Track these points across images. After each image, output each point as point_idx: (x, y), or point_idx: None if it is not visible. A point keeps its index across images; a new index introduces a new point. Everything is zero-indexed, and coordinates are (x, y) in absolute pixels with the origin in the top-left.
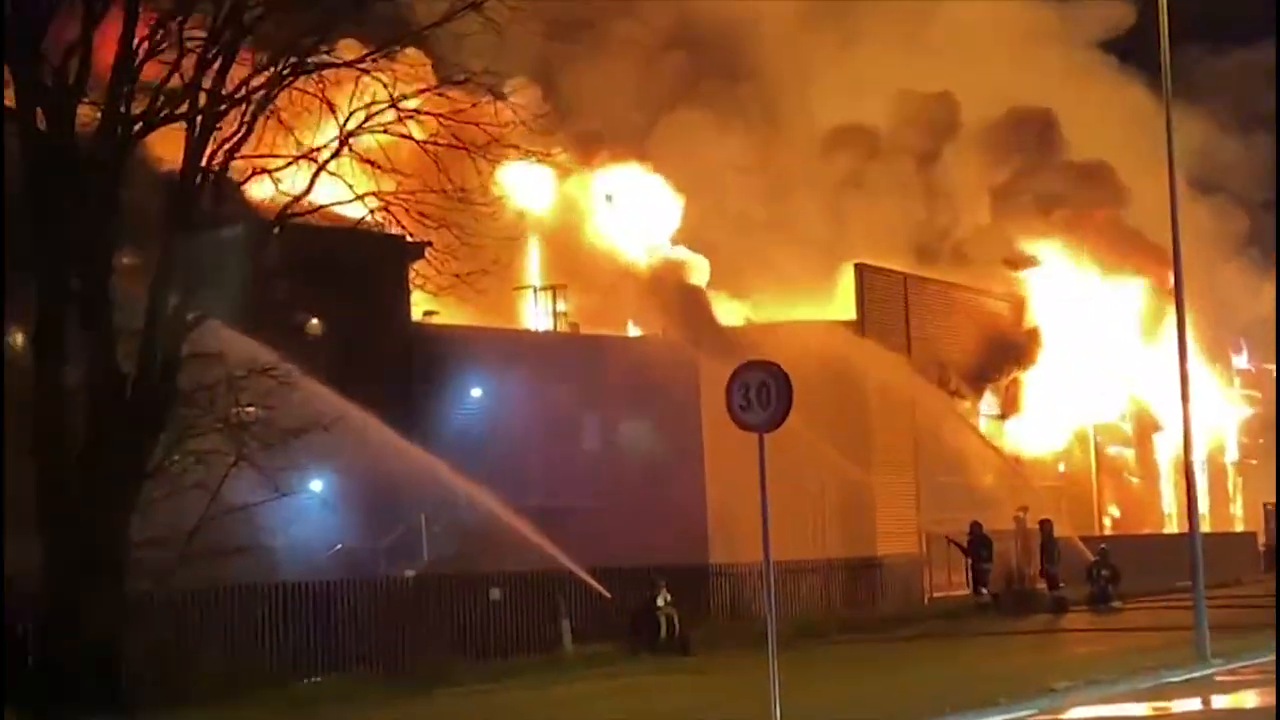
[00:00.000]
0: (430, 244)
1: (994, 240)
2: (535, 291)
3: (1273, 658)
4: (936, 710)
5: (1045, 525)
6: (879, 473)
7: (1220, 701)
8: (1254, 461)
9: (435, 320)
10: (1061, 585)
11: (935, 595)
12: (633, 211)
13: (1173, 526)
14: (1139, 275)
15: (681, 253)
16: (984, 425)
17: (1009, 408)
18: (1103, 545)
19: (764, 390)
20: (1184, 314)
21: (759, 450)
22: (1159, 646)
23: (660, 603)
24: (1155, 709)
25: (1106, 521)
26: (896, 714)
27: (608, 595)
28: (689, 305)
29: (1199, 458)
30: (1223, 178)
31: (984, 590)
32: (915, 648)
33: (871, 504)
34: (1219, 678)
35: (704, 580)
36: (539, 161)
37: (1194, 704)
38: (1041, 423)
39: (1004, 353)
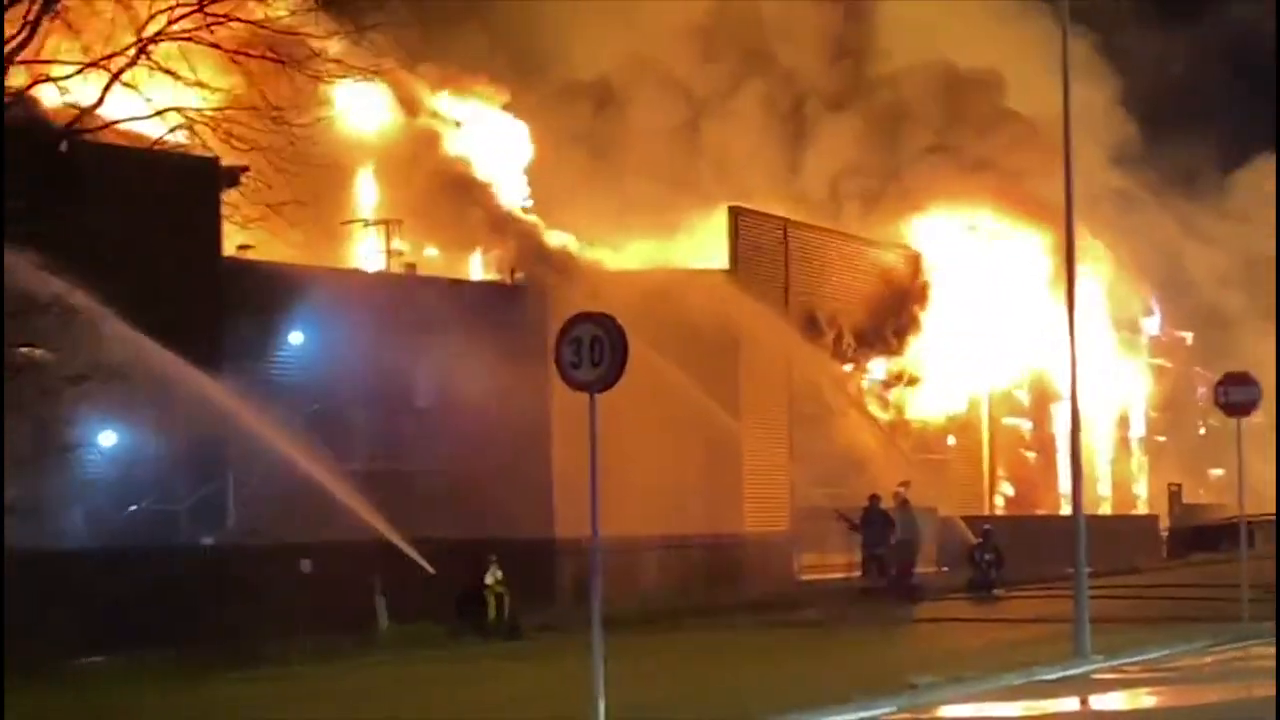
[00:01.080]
0: (247, 169)
1: (892, 192)
2: (366, 226)
3: (1160, 654)
4: (780, 708)
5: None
6: (749, 441)
7: (1096, 702)
8: (1162, 438)
9: (249, 255)
10: (914, 573)
11: (806, 578)
12: (483, 144)
13: (1070, 507)
14: (1043, 233)
15: (535, 190)
16: (871, 392)
17: (896, 373)
18: (987, 526)
19: (597, 345)
20: (1074, 273)
21: (590, 413)
22: (1037, 639)
23: (489, 580)
24: (1022, 709)
25: (999, 500)
26: (735, 712)
27: (431, 570)
28: (540, 247)
29: (1102, 433)
30: (1148, 139)
31: (880, 575)
32: (774, 636)
33: (739, 475)
34: (1097, 676)
35: (550, 556)
36: (364, 79)
37: (1064, 704)
38: (932, 390)
39: (893, 311)
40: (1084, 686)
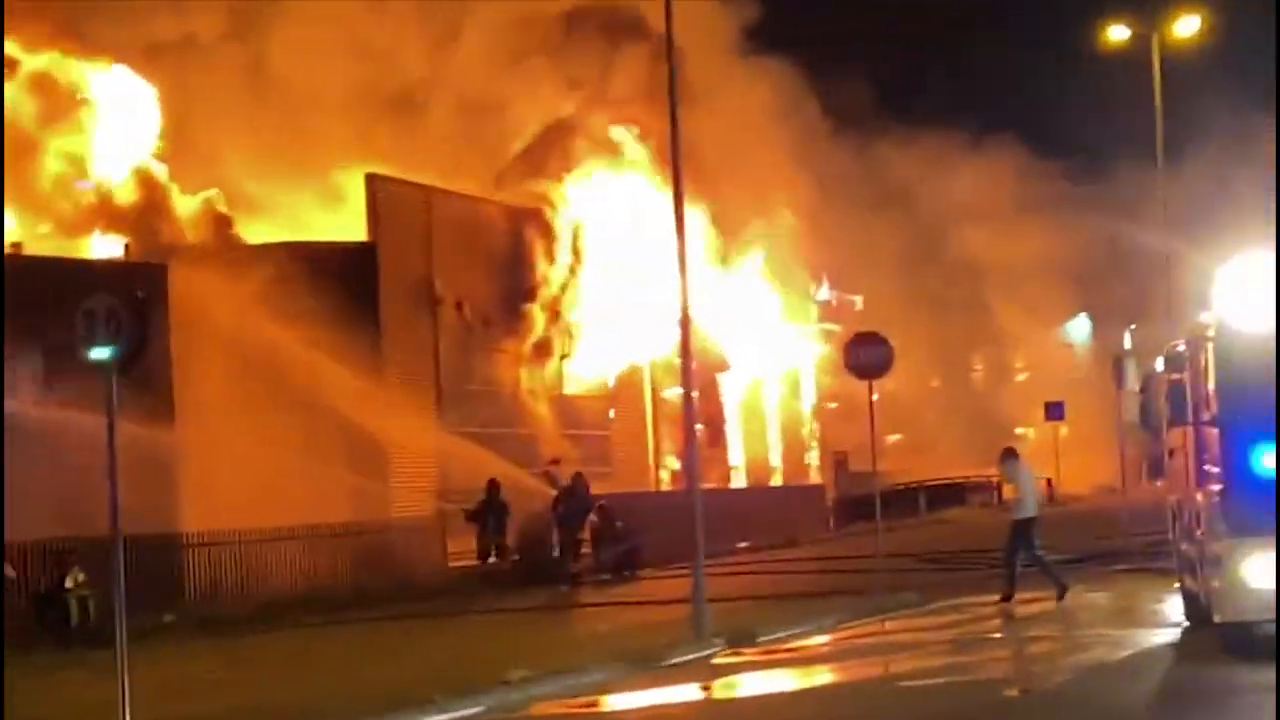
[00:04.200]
0: None
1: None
2: None
3: (787, 633)
4: (349, 716)
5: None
6: (395, 424)
7: (688, 693)
8: (833, 405)
9: None
10: (513, 558)
11: (458, 564)
12: (103, 115)
13: (740, 480)
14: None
15: (166, 156)
16: (523, 366)
17: (546, 343)
18: (601, 502)
19: (113, 321)
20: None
21: (106, 392)
22: (663, 623)
23: (70, 584)
24: (620, 701)
25: (664, 476)
26: None
27: (12, 573)
28: (165, 220)
29: (773, 401)
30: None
31: (497, 559)
32: (392, 630)
33: (385, 460)
34: (716, 660)
35: (175, 552)
36: None
37: (671, 694)
38: (589, 361)
39: (544, 279)
40: (697, 673)
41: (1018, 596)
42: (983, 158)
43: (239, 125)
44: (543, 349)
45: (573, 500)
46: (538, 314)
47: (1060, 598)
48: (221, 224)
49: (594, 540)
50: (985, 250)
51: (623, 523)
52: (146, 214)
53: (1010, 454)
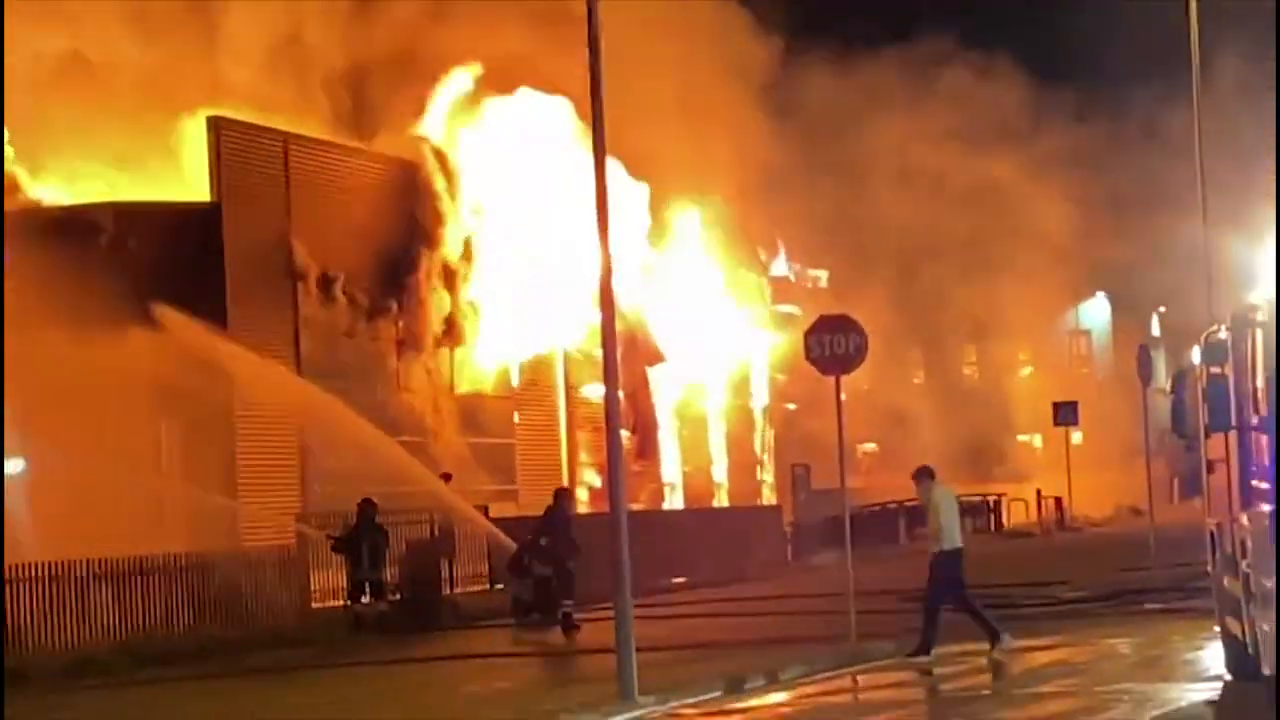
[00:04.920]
0: None
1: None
2: None
3: (716, 694)
4: None
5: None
6: (245, 436)
7: None
8: (792, 406)
9: None
10: (392, 597)
11: (323, 604)
12: None
13: (676, 500)
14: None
15: None
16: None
17: (434, 328)
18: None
19: None
20: (603, 152)
21: None
22: (583, 678)
23: None
24: None
25: (583, 494)
26: None
27: None
28: None
29: (715, 401)
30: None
31: (373, 598)
32: (233, 688)
33: (232, 479)
34: None
35: None
36: None
37: None
38: (488, 349)
39: (432, 246)
40: None
41: (1017, 642)
42: (977, 88)
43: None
44: (429, 335)
45: (558, 526)
46: (424, 291)
47: (993, 646)
48: (12, 183)
49: (513, 570)
50: (979, 212)
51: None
52: None
53: (925, 473)
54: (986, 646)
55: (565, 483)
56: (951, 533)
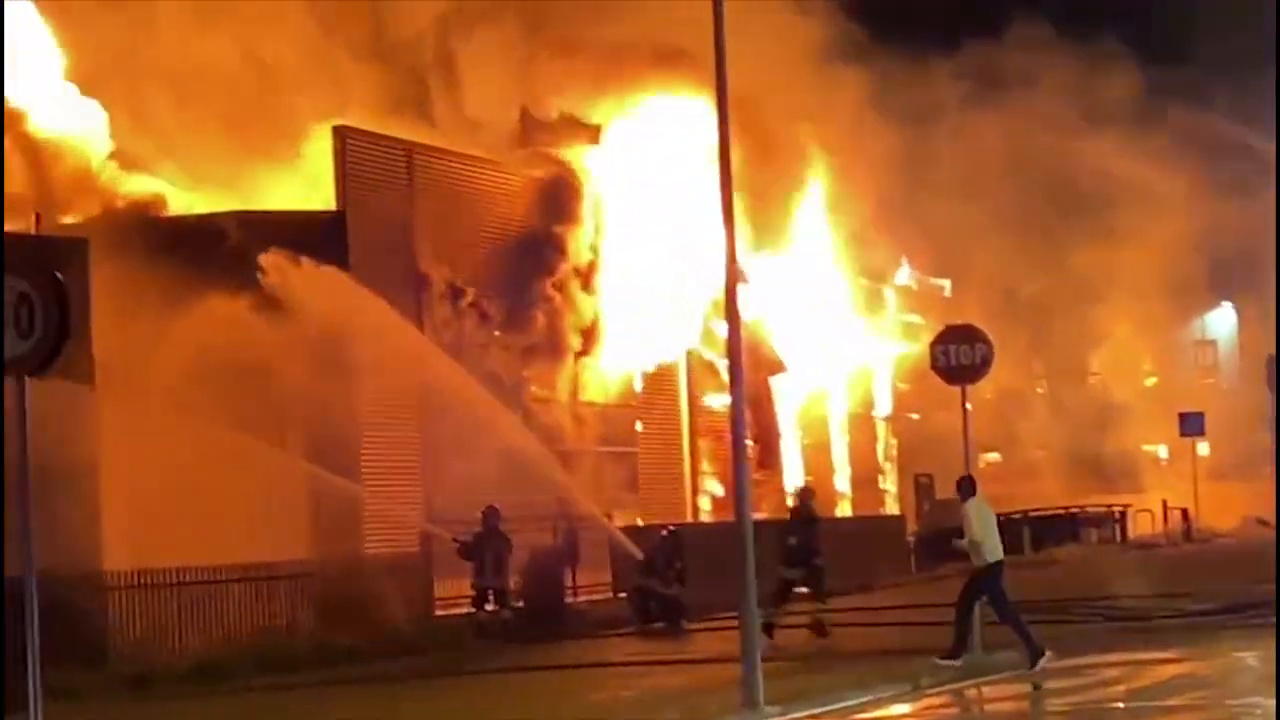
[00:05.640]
0: None
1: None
2: None
3: (858, 700)
4: None
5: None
6: (370, 442)
7: None
8: (915, 416)
9: None
10: (515, 604)
11: (445, 611)
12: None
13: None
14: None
15: (75, 109)
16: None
17: (559, 338)
18: (672, 528)
19: (25, 308)
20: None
21: (19, 402)
22: (707, 687)
23: None
24: None
25: (704, 504)
26: None
27: None
28: (81, 184)
29: (838, 411)
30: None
31: (496, 606)
32: (359, 695)
33: (357, 482)
34: None
35: (98, 596)
36: None
37: None
38: (611, 358)
39: (550, 254)
40: None
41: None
42: (1098, 85)
43: (160, 71)
44: (554, 345)
45: (805, 526)
46: (550, 300)
47: (1031, 667)
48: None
49: (640, 576)
50: (1103, 219)
51: (682, 562)
52: (59, 180)
53: (963, 486)
54: (1103, 659)
55: (687, 492)
56: (988, 547)
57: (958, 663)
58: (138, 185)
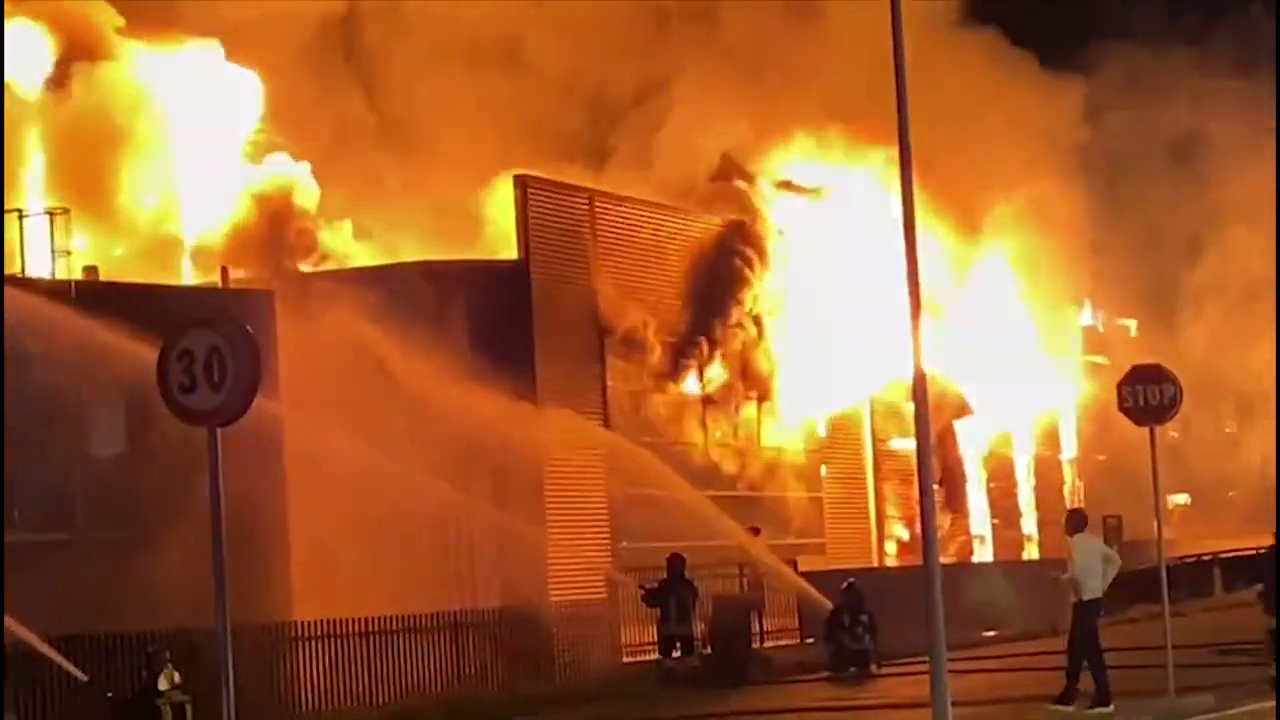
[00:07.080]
0: None
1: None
2: (22, 219)
3: None
4: None
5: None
6: (554, 488)
7: None
8: (1101, 457)
9: None
10: (702, 651)
11: (630, 659)
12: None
13: (985, 553)
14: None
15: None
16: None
17: (740, 384)
18: (850, 581)
19: (216, 361)
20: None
21: (210, 453)
22: None
23: (164, 685)
24: None
25: (890, 547)
26: None
27: (83, 676)
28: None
29: (1024, 453)
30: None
31: (683, 653)
32: None
33: (542, 532)
34: None
35: (286, 647)
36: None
37: None
38: (792, 403)
39: (732, 300)
40: None
41: None
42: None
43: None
44: (735, 391)
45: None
46: (731, 346)
47: (1092, 705)
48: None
49: (830, 628)
50: None
51: (869, 614)
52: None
53: (1071, 521)
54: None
55: (873, 537)
56: (1088, 585)
57: (1109, 710)
58: (326, 237)
